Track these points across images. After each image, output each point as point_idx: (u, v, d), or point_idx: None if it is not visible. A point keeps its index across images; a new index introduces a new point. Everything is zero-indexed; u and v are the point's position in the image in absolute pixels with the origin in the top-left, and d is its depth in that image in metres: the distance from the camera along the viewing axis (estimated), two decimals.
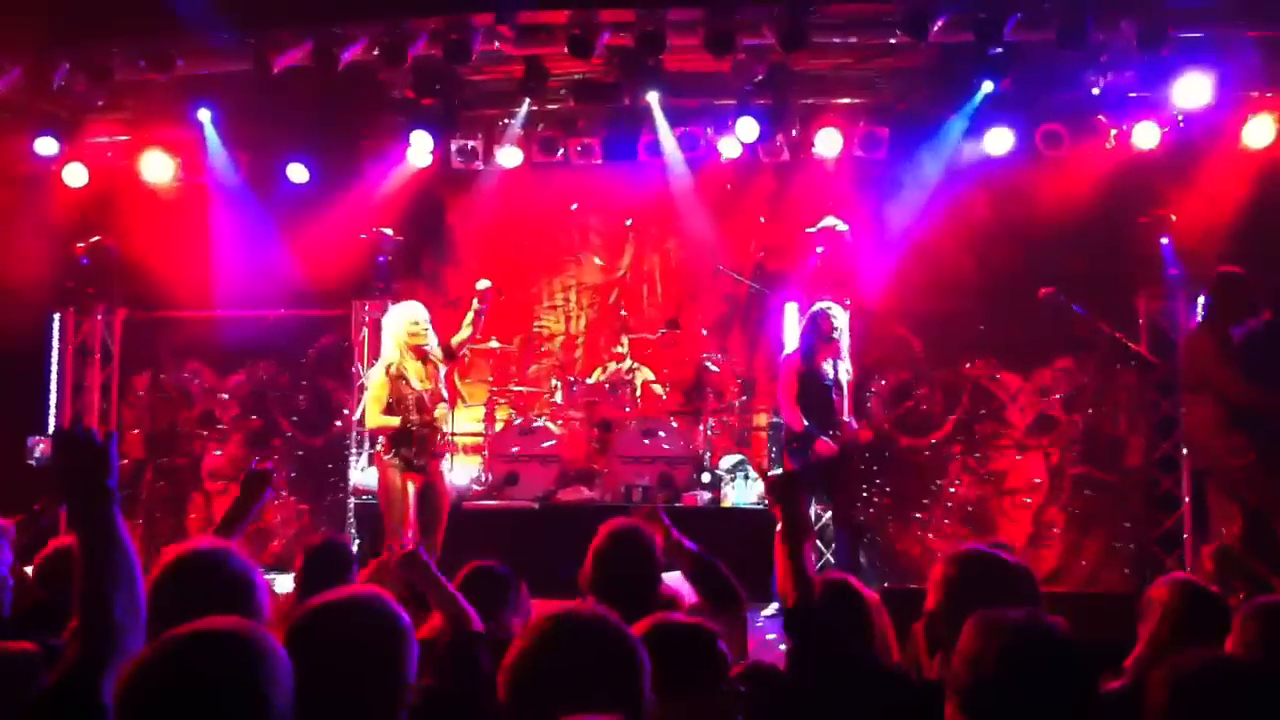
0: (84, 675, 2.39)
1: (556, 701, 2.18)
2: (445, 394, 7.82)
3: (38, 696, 2.51)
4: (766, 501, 4.19)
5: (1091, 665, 2.56)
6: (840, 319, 8.30)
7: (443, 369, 7.81)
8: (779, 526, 3.57)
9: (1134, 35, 7.92)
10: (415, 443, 7.57)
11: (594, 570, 3.94)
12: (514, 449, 9.90)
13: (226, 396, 11.24)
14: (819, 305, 8.38)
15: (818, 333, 8.25)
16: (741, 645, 4.10)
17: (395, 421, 7.48)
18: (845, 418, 8.25)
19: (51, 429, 10.55)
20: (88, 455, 2.54)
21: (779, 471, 4.20)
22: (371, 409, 7.62)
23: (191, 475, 11.15)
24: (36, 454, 9.89)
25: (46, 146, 9.78)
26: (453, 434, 10.61)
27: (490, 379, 10.78)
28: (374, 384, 7.65)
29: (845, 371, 8.34)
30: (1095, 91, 8.84)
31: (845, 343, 8.34)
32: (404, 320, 7.65)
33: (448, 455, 8.14)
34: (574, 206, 11.45)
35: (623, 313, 11.06)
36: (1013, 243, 9.82)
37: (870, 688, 3.19)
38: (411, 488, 7.56)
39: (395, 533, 7.33)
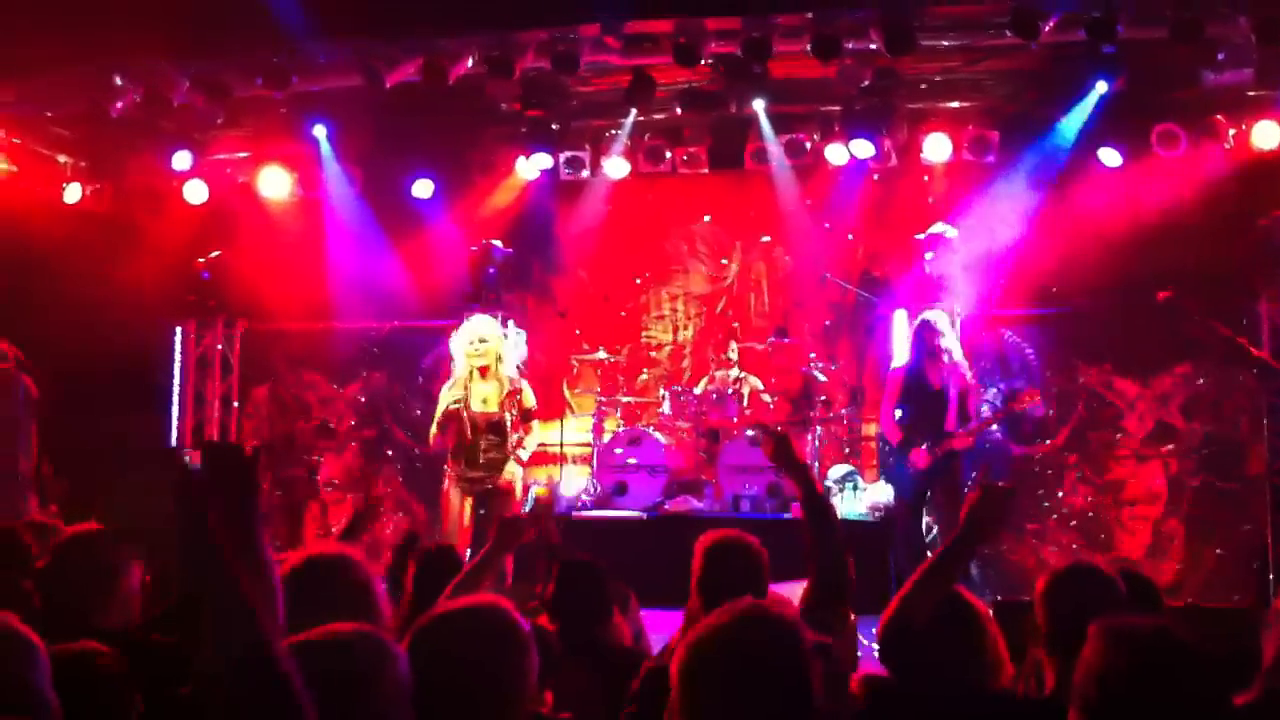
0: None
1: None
2: (510, 417, 7.68)
3: (180, 703, 2.57)
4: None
5: (1224, 675, 2.46)
6: (945, 328, 8.30)
7: (526, 396, 7.77)
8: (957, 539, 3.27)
9: (1251, 30, 7.71)
10: (468, 462, 7.63)
11: (704, 572, 3.92)
12: (623, 459, 9.94)
13: (342, 407, 11.45)
14: (923, 315, 8.40)
15: (921, 344, 8.29)
16: (851, 648, 4.01)
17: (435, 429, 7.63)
18: (950, 429, 8.13)
19: (187, 442, 10.87)
20: (235, 470, 2.51)
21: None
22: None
23: (308, 484, 11.37)
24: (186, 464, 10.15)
25: (182, 161, 10.13)
26: (561, 444, 10.69)
27: (598, 389, 10.81)
28: (441, 400, 7.75)
29: (956, 379, 8.24)
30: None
31: (957, 350, 8.29)
32: (463, 339, 7.77)
33: (520, 470, 7.88)
34: (707, 218, 11.43)
35: (734, 323, 10.98)
36: (1128, 245, 9.56)
37: (982, 710, 3.08)
38: (469, 505, 7.64)
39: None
